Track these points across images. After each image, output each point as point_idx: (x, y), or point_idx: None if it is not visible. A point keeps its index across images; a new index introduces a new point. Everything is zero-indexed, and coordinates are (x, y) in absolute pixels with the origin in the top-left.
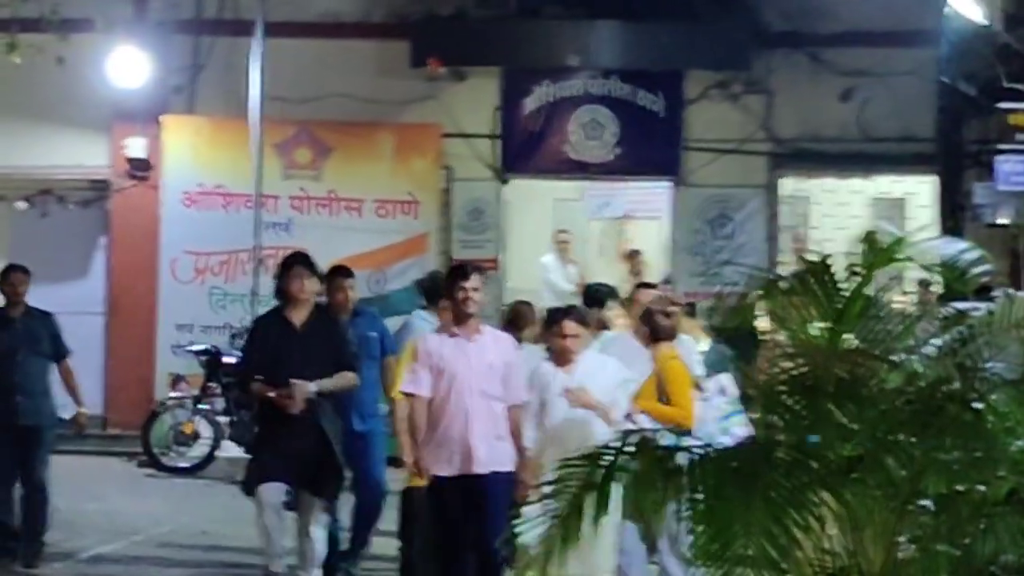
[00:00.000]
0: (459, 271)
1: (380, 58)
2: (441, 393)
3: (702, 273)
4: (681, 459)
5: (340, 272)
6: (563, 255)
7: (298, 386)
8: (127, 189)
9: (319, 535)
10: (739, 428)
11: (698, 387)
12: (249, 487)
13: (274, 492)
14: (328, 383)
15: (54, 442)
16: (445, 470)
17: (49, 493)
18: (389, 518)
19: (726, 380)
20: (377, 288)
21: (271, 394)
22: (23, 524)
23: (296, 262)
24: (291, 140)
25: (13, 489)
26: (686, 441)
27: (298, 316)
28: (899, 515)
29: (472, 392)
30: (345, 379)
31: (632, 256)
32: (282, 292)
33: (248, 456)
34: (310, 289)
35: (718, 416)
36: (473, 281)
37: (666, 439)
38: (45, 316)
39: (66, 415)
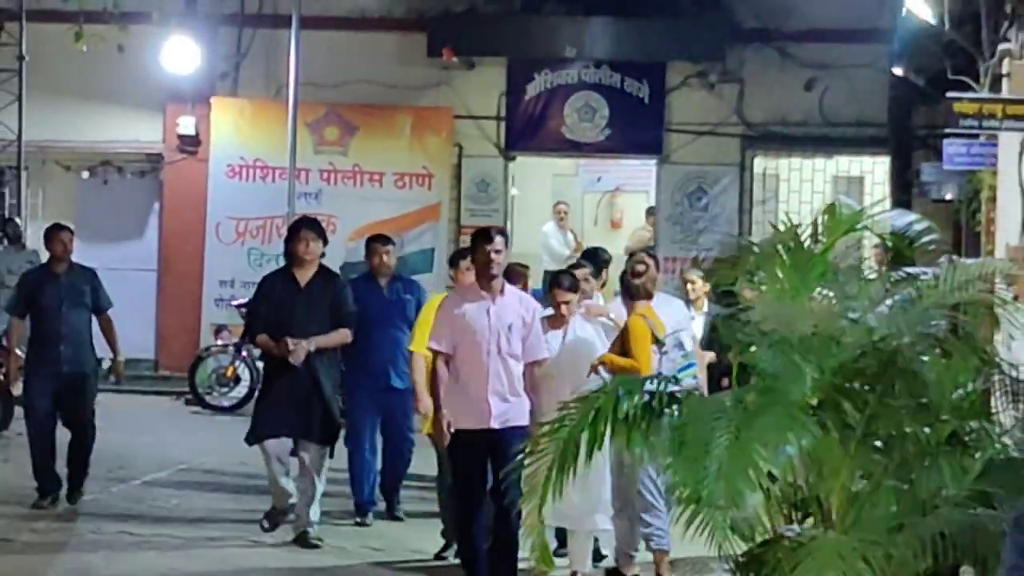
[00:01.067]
0: (484, 234)
1: (400, 48)
2: (462, 351)
3: (682, 240)
4: (664, 402)
5: (378, 239)
6: (561, 224)
7: (299, 345)
8: (178, 162)
9: (319, 476)
10: (689, 380)
11: (658, 342)
12: (251, 438)
13: (276, 445)
14: (323, 339)
15: (96, 387)
16: (465, 423)
17: (95, 434)
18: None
19: (684, 336)
20: (396, 251)
21: (272, 346)
22: (69, 464)
23: (303, 225)
24: (321, 120)
25: (54, 434)
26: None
27: (303, 275)
28: (854, 454)
29: (491, 351)
30: (340, 335)
31: (649, 214)
32: (289, 253)
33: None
34: (314, 251)
35: (673, 369)
36: (497, 243)
37: (649, 385)
38: (87, 271)
39: (105, 364)
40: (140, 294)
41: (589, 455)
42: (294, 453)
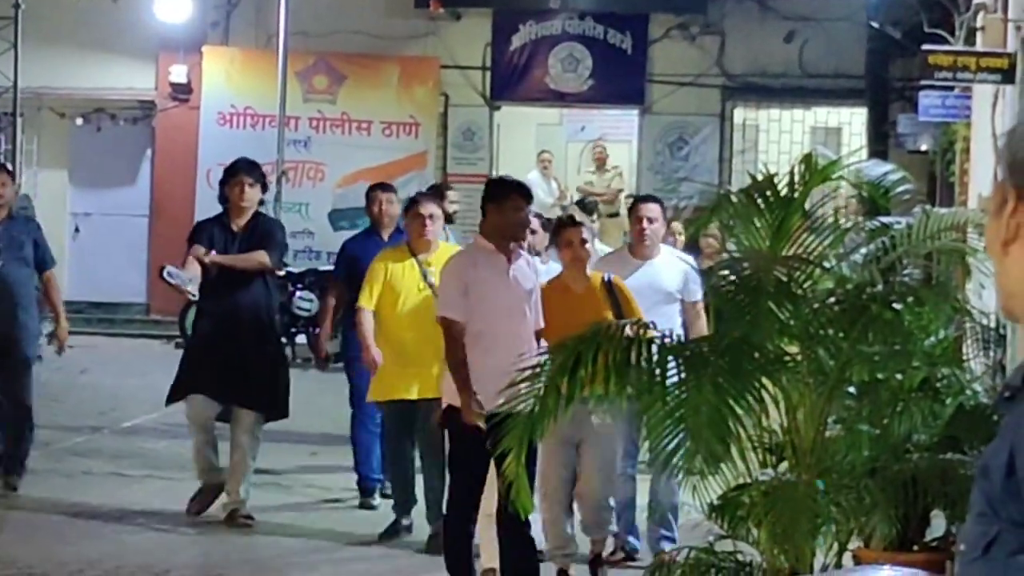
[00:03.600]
0: (521, 189)
1: None
2: (478, 320)
3: (662, 189)
4: (643, 347)
5: (379, 187)
6: (545, 172)
7: (212, 256)
8: (170, 109)
9: (252, 449)
10: None
11: None
12: (171, 396)
13: (202, 407)
14: (230, 258)
15: (33, 355)
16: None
17: (32, 413)
18: None
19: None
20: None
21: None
22: (2, 439)
23: (241, 168)
24: (311, 69)
25: None
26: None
27: (238, 222)
28: (828, 399)
29: (513, 320)
30: (256, 255)
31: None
32: (224, 198)
33: None
34: (251, 198)
35: None
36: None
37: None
38: (30, 223)
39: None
40: (132, 239)
41: (569, 401)
42: (224, 419)
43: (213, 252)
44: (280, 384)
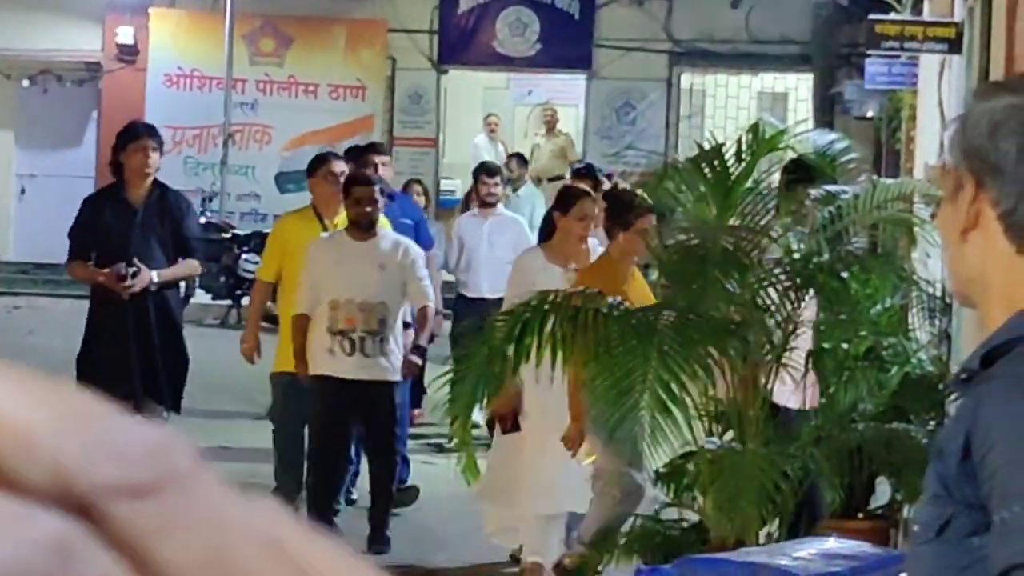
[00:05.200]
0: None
1: None
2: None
3: (610, 154)
4: (590, 316)
5: (372, 148)
6: (492, 136)
7: (141, 272)
8: (117, 71)
9: None
10: None
11: None
12: None
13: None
14: (170, 272)
15: None
16: None
17: None
18: None
19: None
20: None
21: (101, 277)
22: None
23: (141, 132)
24: (257, 31)
25: None
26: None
27: (136, 195)
28: (773, 367)
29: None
30: (188, 267)
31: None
32: (120, 165)
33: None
34: (155, 163)
35: None
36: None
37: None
38: None
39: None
40: (78, 199)
41: (515, 368)
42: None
43: (154, 273)
44: (181, 378)
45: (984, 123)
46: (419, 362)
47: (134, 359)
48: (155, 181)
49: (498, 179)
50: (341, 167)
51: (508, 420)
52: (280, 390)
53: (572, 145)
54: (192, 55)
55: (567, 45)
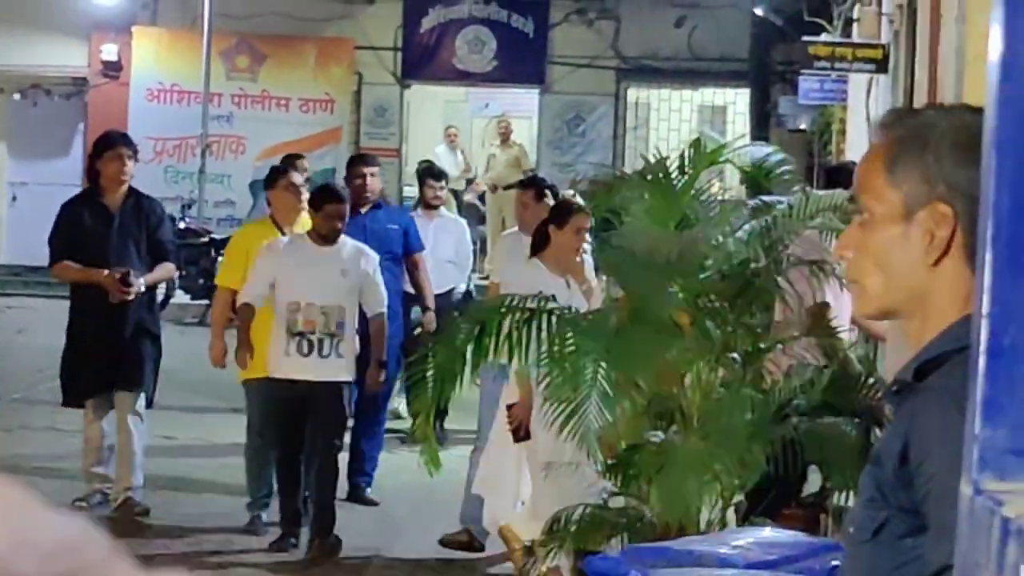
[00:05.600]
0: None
1: None
2: None
3: (561, 163)
4: (543, 318)
5: (361, 159)
6: (452, 146)
7: (136, 279)
8: (102, 86)
9: (138, 429)
10: None
11: None
12: (70, 399)
13: (100, 406)
14: (153, 276)
15: None
16: None
17: None
18: None
19: None
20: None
21: (99, 278)
22: None
23: (116, 141)
24: (233, 49)
25: None
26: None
27: (113, 200)
28: (714, 366)
29: None
30: (165, 271)
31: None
32: (97, 172)
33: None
34: (130, 171)
35: None
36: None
37: (530, 303)
38: None
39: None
40: None
41: (475, 367)
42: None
43: (141, 279)
44: (154, 369)
45: (947, 150)
46: (381, 379)
47: (114, 354)
48: (130, 187)
49: (443, 183)
50: (300, 179)
51: (522, 429)
52: (256, 395)
53: (525, 155)
54: (172, 71)
55: (522, 62)
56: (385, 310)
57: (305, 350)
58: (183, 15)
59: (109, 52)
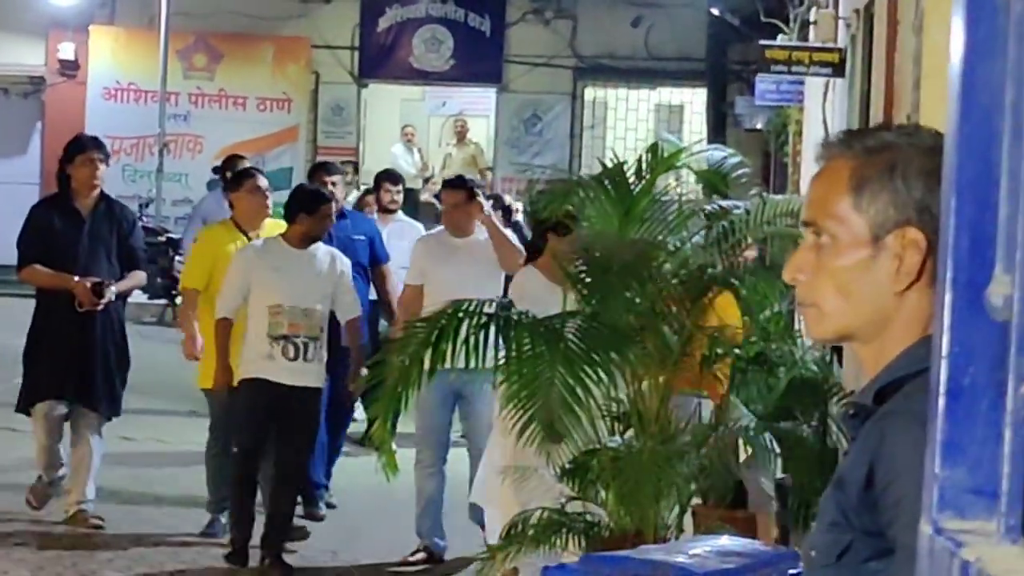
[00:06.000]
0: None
1: None
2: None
3: (518, 162)
4: (500, 323)
5: (323, 167)
6: (409, 145)
7: (108, 288)
8: (59, 84)
9: (97, 446)
10: None
11: None
12: (25, 405)
13: (53, 409)
14: (124, 284)
15: None
16: None
17: None
18: None
19: None
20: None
21: (71, 285)
22: None
23: (87, 145)
24: (191, 48)
25: None
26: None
27: (84, 205)
28: (671, 371)
29: None
30: (136, 279)
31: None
32: (68, 177)
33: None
34: (102, 175)
35: None
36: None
37: (488, 309)
38: None
39: None
40: (23, 205)
41: (431, 373)
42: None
43: (112, 287)
44: (122, 382)
45: (915, 174)
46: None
47: (76, 366)
48: (101, 192)
49: (400, 186)
50: (266, 182)
51: None
52: (221, 404)
53: (482, 154)
54: (129, 70)
55: (479, 61)
56: (359, 313)
57: (291, 354)
58: (140, 14)
59: (66, 51)
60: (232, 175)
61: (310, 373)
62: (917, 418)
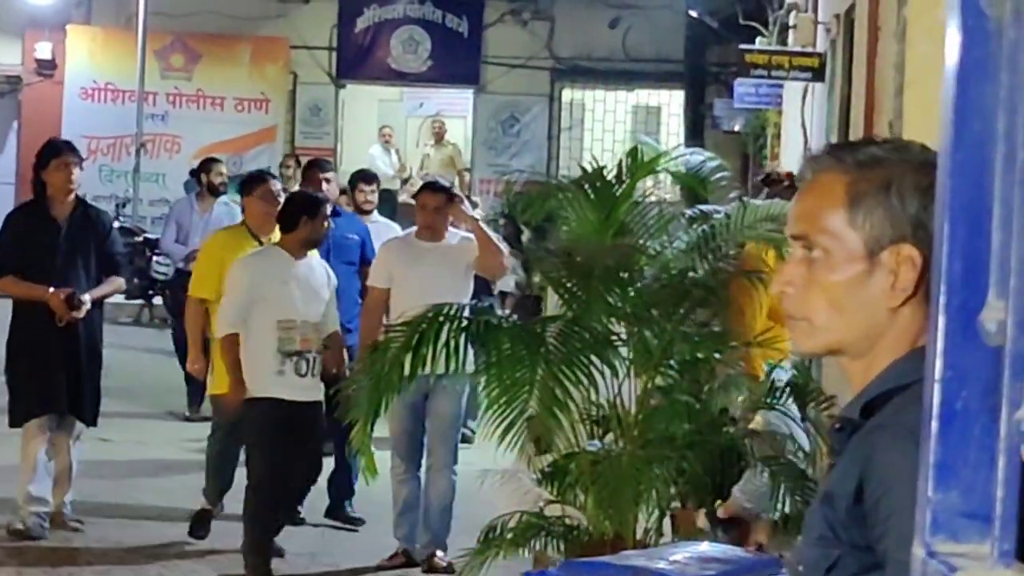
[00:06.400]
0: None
1: None
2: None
3: (495, 163)
4: (481, 327)
5: (317, 165)
6: (387, 145)
7: (83, 300)
8: (36, 84)
9: (75, 453)
10: None
11: None
12: (18, 417)
13: (45, 424)
14: (100, 291)
15: None
16: None
17: None
18: None
19: None
20: (235, 168)
21: (45, 296)
22: None
23: (62, 149)
24: (168, 47)
25: None
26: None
27: (61, 211)
28: (651, 376)
29: None
30: (115, 285)
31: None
32: (42, 183)
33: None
34: (78, 179)
35: None
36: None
37: (467, 313)
38: None
39: None
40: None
41: (412, 377)
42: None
43: (87, 296)
44: (99, 392)
45: (910, 190)
46: None
47: (62, 376)
48: (77, 197)
49: (375, 186)
50: (278, 187)
51: None
52: (221, 412)
53: (459, 154)
54: (107, 69)
55: (456, 62)
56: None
57: (303, 370)
58: (118, 14)
59: (43, 50)
60: (244, 179)
61: (316, 387)
62: (907, 431)
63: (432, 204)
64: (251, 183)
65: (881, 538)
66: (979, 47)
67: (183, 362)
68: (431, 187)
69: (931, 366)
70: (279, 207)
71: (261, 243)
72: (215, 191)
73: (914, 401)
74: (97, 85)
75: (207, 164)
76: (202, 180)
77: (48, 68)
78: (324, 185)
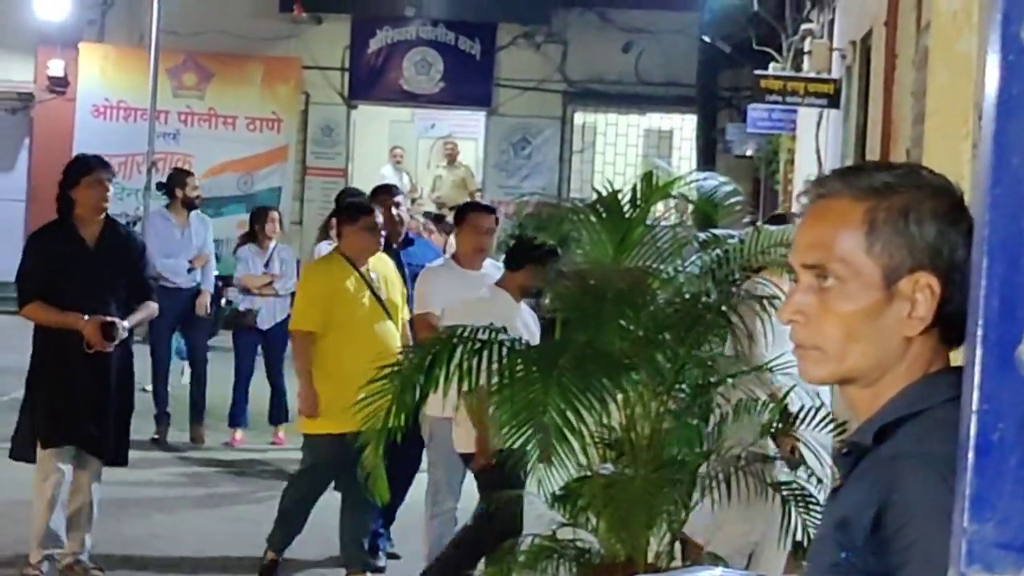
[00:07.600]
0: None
1: (254, 2)
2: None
3: (507, 185)
4: (494, 350)
5: (386, 190)
6: (398, 166)
7: (119, 327)
8: (48, 101)
9: (96, 494)
10: None
11: None
12: (41, 443)
13: (62, 455)
14: (136, 318)
15: None
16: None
17: None
18: None
19: None
20: (246, 188)
21: (80, 325)
22: None
23: (94, 166)
24: (180, 66)
25: None
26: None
27: (90, 232)
28: (664, 398)
29: None
30: (148, 311)
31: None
32: (72, 201)
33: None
34: (111, 199)
35: None
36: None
37: (481, 335)
38: None
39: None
40: (9, 221)
41: (424, 398)
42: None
43: (124, 323)
44: (128, 429)
45: (928, 218)
46: None
47: (86, 409)
48: (107, 217)
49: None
50: (381, 220)
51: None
52: (319, 452)
53: (471, 176)
54: (119, 87)
55: (469, 84)
56: None
57: None
58: (130, 32)
59: (55, 68)
60: (346, 207)
61: None
62: (931, 462)
63: (485, 225)
64: (355, 213)
65: (902, 567)
66: (1019, 82)
67: (156, 379)
68: (479, 207)
69: (968, 398)
70: (381, 240)
71: (360, 272)
72: (190, 204)
73: (933, 430)
74: (109, 103)
75: (181, 177)
76: (176, 194)
77: (60, 85)
78: (394, 210)
